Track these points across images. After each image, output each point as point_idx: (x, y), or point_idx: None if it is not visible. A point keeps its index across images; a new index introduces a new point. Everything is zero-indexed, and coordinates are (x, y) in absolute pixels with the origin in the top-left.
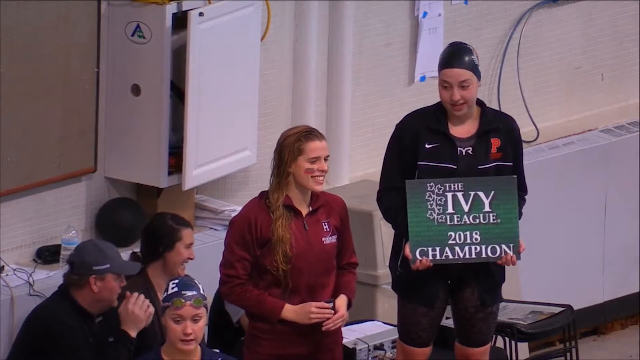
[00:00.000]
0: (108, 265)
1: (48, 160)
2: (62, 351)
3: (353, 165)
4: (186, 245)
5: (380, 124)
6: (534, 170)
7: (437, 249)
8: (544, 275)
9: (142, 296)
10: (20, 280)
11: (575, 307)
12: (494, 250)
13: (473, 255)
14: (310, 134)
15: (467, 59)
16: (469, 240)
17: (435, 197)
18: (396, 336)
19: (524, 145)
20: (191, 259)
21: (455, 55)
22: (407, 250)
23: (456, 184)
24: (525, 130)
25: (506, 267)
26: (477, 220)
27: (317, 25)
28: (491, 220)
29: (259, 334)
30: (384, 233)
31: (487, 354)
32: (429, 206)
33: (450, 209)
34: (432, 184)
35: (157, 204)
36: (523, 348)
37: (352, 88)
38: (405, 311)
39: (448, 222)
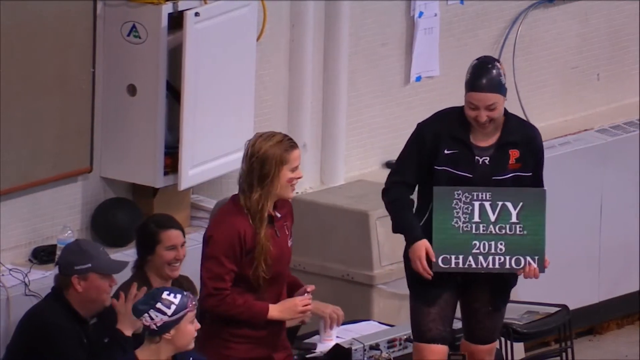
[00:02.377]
0: (89, 265)
1: (44, 160)
2: (56, 352)
3: (349, 166)
4: (167, 247)
5: (376, 124)
6: None
7: (461, 257)
8: (540, 276)
9: (140, 293)
10: (16, 281)
11: (571, 307)
12: (518, 262)
13: (497, 265)
14: (291, 142)
15: (495, 80)
16: (493, 250)
17: (462, 205)
18: (392, 335)
19: None
20: (178, 259)
21: (484, 77)
22: (431, 252)
23: (484, 193)
24: None
25: None
26: (503, 231)
27: (313, 25)
28: (517, 232)
29: (230, 337)
30: (380, 233)
31: (493, 354)
32: (455, 214)
33: (476, 218)
34: (459, 192)
35: (153, 204)
36: (519, 348)
37: (348, 88)
38: (414, 303)
39: (473, 231)
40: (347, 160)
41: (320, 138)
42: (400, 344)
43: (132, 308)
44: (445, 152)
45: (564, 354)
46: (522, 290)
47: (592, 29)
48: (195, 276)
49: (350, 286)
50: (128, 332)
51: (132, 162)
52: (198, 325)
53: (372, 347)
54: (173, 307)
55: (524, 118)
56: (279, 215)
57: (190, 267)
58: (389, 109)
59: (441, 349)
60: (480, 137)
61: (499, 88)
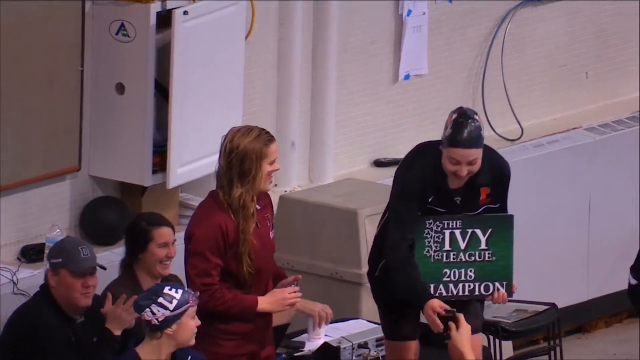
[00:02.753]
0: (60, 260)
1: (33, 159)
2: (43, 351)
3: (337, 164)
4: (159, 245)
5: (365, 123)
6: (519, 168)
7: (432, 285)
8: (528, 274)
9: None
10: (5, 279)
11: (560, 306)
12: (487, 288)
13: (466, 293)
14: (269, 136)
15: (476, 135)
16: (463, 278)
17: (434, 235)
18: (381, 334)
19: (507, 143)
20: (170, 257)
21: (465, 132)
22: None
23: (455, 222)
24: (510, 129)
25: None
26: (473, 258)
27: (302, 24)
28: (486, 258)
29: (219, 334)
30: (368, 231)
31: (480, 349)
32: (427, 243)
33: (447, 246)
34: (431, 221)
35: (142, 203)
36: (507, 346)
37: (337, 86)
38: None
39: (444, 260)
40: (336, 158)
41: (309, 136)
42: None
43: (133, 303)
44: (429, 200)
45: (552, 352)
46: None
47: (580, 27)
48: (180, 273)
49: (338, 285)
50: (117, 332)
51: (121, 161)
52: (198, 322)
53: (360, 346)
54: (175, 302)
55: (513, 116)
56: (258, 207)
57: (176, 265)
58: (378, 107)
59: (414, 345)
60: (454, 181)
61: (480, 142)
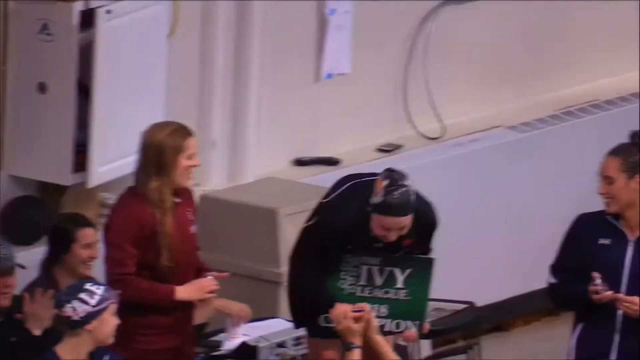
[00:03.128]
0: None
1: None
2: None
3: (258, 163)
4: (83, 246)
5: (286, 121)
6: (439, 167)
7: None
8: (447, 273)
9: (47, 294)
10: None
11: (479, 304)
12: (397, 325)
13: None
14: (187, 130)
15: (408, 202)
16: (375, 313)
17: (351, 268)
18: (299, 333)
19: (429, 142)
20: (93, 257)
21: (397, 200)
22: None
23: (374, 259)
24: (432, 127)
25: None
26: (387, 295)
27: (225, 23)
28: (402, 297)
29: (136, 329)
30: (288, 231)
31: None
32: (342, 276)
33: (362, 281)
34: (349, 255)
35: (62, 202)
36: (426, 345)
37: (259, 85)
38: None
39: (358, 293)
40: (257, 157)
41: (230, 135)
42: (306, 341)
43: (54, 299)
44: (347, 247)
45: (471, 351)
46: None
47: (503, 26)
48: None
49: (257, 284)
50: (36, 331)
51: (42, 160)
52: (118, 320)
53: (279, 345)
54: (96, 297)
55: (435, 115)
56: (178, 201)
57: (97, 264)
58: (299, 106)
59: (338, 342)
60: None
61: (411, 209)
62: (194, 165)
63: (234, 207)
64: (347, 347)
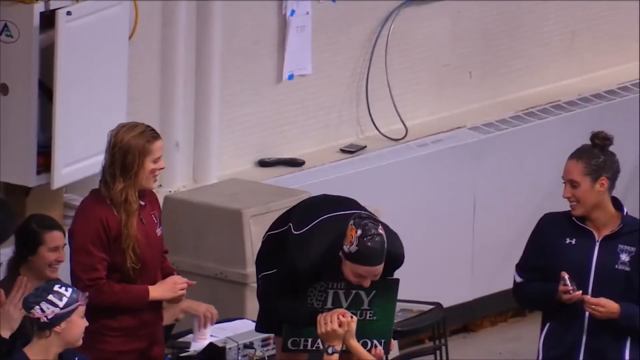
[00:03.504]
0: None
1: None
2: None
3: (222, 164)
4: (50, 249)
5: (249, 123)
6: (403, 168)
7: (310, 340)
8: (413, 273)
9: (17, 295)
10: None
11: (445, 305)
12: (365, 344)
13: (343, 347)
14: (154, 133)
15: (381, 251)
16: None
17: (317, 293)
18: (266, 334)
19: (392, 143)
20: (59, 261)
21: (371, 251)
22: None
23: (339, 283)
24: (394, 128)
25: None
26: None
27: (185, 24)
28: (367, 317)
29: (105, 331)
30: (253, 232)
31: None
32: (309, 300)
33: (329, 304)
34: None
35: (26, 204)
36: (393, 346)
37: (221, 86)
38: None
39: None
40: (220, 158)
41: (193, 136)
42: (274, 343)
43: (23, 301)
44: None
45: (438, 352)
46: None
47: (464, 27)
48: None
49: (223, 285)
50: (5, 334)
51: (5, 162)
52: (86, 322)
53: (246, 346)
54: (65, 299)
55: (397, 115)
56: (142, 203)
57: (63, 266)
58: (262, 107)
59: None
60: None
61: (384, 256)
62: (160, 169)
63: (198, 208)
64: (328, 350)
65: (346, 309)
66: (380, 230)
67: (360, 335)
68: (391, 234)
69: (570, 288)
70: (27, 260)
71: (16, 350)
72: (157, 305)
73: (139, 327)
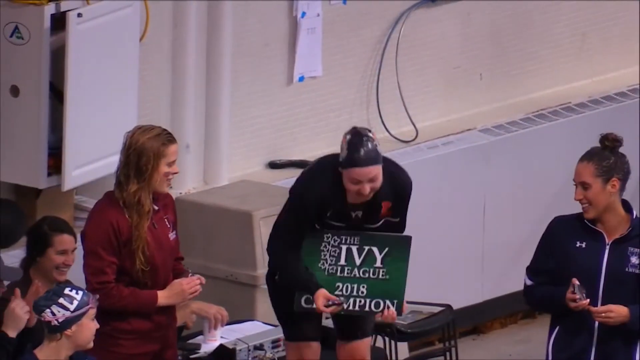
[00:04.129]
0: None
1: None
2: None
3: (232, 166)
4: (58, 252)
5: (260, 125)
6: (413, 170)
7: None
8: (423, 275)
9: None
10: None
11: (455, 307)
12: (377, 305)
13: (357, 308)
14: (170, 137)
15: (373, 152)
16: (355, 293)
17: (330, 249)
18: (276, 335)
19: (402, 145)
20: (67, 264)
21: (362, 151)
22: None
23: (353, 238)
24: (404, 130)
25: None
26: (367, 274)
27: (196, 25)
28: (380, 276)
29: (118, 334)
30: (263, 234)
31: (369, 351)
32: (322, 256)
33: (342, 261)
34: (329, 234)
35: (37, 205)
36: (403, 348)
37: (231, 88)
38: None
39: (338, 274)
40: (231, 160)
41: (204, 138)
42: (284, 344)
43: (33, 304)
44: (327, 214)
45: (447, 354)
46: (405, 289)
47: (474, 29)
48: (77, 279)
49: (234, 287)
50: (12, 334)
51: (15, 163)
52: (97, 325)
53: (256, 348)
54: (75, 302)
55: (407, 117)
56: (156, 207)
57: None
58: (272, 109)
59: (316, 346)
60: (355, 197)
61: (378, 158)
62: (174, 173)
63: (208, 210)
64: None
65: (359, 266)
66: (371, 135)
67: (373, 295)
68: (396, 164)
69: (578, 297)
70: (35, 261)
71: (26, 352)
72: (171, 307)
73: (152, 330)
